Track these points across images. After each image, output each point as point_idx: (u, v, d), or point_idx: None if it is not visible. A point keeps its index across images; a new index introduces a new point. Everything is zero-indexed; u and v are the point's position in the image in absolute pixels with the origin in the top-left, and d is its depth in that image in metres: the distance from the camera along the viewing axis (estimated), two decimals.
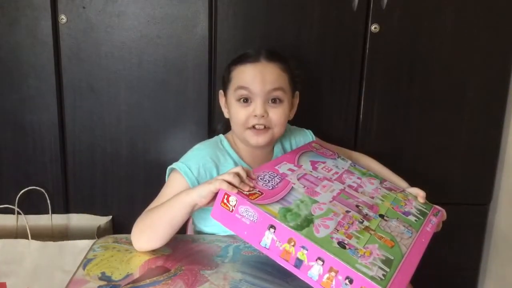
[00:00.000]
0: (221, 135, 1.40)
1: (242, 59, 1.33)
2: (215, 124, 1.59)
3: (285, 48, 1.60)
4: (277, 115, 1.30)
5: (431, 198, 1.71)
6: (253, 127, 1.29)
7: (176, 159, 1.36)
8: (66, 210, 1.72)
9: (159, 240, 1.14)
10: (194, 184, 1.25)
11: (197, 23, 1.60)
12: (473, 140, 1.70)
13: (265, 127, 1.29)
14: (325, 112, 1.66)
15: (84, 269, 1.08)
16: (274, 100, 1.30)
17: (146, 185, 1.67)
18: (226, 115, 1.39)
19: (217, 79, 1.62)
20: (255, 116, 1.28)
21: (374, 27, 1.59)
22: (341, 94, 1.66)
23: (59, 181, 1.69)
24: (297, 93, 1.40)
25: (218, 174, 1.31)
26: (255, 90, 1.27)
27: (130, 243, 1.17)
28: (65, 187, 1.71)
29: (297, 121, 1.45)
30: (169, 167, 1.31)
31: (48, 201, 1.69)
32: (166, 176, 1.31)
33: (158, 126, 1.67)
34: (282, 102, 1.31)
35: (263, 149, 1.38)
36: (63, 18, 1.57)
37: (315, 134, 1.50)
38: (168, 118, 1.66)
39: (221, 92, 1.41)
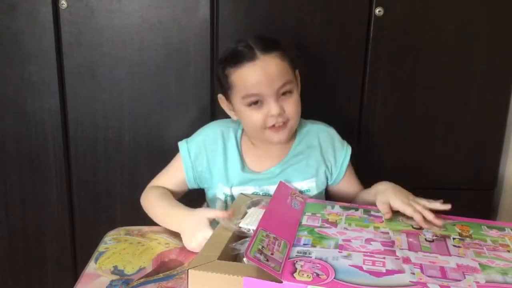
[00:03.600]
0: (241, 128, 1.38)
1: (236, 59, 1.25)
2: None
3: (287, 31, 1.60)
4: (293, 106, 1.26)
5: (435, 184, 1.75)
6: (273, 125, 1.26)
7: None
8: (69, 198, 1.72)
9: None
10: (188, 171, 1.36)
11: (198, 7, 1.57)
12: (478, 125, 1.70)
13: (283, 122, 1.26)
14: (329, 96, 1.66)
15: (96, 262, 1.08)
16: (284, 93, 1.25)
17: (149, 171, 1.66)
18: (234, 118, 1.35)
19: None
20: (272, 115, 1.24)
21: (378, 10, 1.58)
22: (345, 78, 1.65)
23: (62, 168, 1.68)
24: (297, 72, 1.34)
25: (224, 156, 1.35)
26: (265, 92, 1.22)
27: (142, 235, 1.19)
28: (68, 174, 1.69)
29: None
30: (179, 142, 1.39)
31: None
32: None
33: (161, 111, 1.65)
34: (293, 92, 1.27)
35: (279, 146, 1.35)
36: (63, 4, 1.54)
37: (318, 119, 1.46)
38: (170, 103, 1.65)
39: (221, 96, 1.35)
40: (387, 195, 1.15)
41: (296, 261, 0.89)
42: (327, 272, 0.85)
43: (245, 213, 1.12)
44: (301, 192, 1.33)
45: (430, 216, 1.07)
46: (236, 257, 0.99)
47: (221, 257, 0.93)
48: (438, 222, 1.07)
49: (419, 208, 1.09)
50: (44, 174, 1.69)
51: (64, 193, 1.71)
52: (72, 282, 1.06)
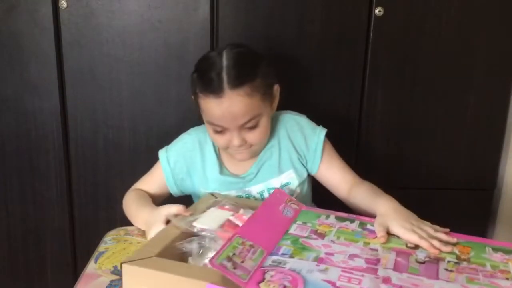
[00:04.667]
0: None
1: (205, 87, 1.21)
2: None
3: (288, 31, 1.60)
4: (256, 137, 1.26)
5: (435, 184, 1.75)
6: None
7: None
8: (69, 198, 1.72)
9: None
10: (168, 179, 1.36)
11: (198, 7, 1.57)
12: (478, 125, 1.70)
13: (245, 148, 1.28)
14: (329, 96, 1.66)
15: (95, 262, 1.08)
16: (249, 127, 1.24)
17: None
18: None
19: None
20: (234, 145, 1.25)
21: (378, 10, 1.58)
22: (345, 78, 1.65)
23: (62, 168, 1.68)
24: (276, 86, 1.30)
25: (202, 161, 1.35)
26: (228, 126, 1.22)
27: (142, 235, 1.18)
28: (68, 174, 1.70)
29: (300, 106, 1.44)
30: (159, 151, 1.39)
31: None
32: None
33: (160, 112, 1.66)
34: (259, 124, 1.25)
35: None
36: (63, 4, 1.54)
37: (318, 119, 1.43)
38: (170, 103, 1.65)
39: (193, 99, 1.31)
40: (386, 219, 1.07)
41: (267, 271, 0.85)
42: (295, 285, 0.81)
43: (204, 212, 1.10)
44: (282, 185, 1.34)
45: (437, 244, 0.99)
46: (182, 257, 0.97)
47: (164, 255, 0.91)
48: (447, 249, 0.98)
49: (425, 236, 1.01)
50: (44, 173, 1.69)
51: (64, 193, 1.71)
52: (72, 282, 1.06)
